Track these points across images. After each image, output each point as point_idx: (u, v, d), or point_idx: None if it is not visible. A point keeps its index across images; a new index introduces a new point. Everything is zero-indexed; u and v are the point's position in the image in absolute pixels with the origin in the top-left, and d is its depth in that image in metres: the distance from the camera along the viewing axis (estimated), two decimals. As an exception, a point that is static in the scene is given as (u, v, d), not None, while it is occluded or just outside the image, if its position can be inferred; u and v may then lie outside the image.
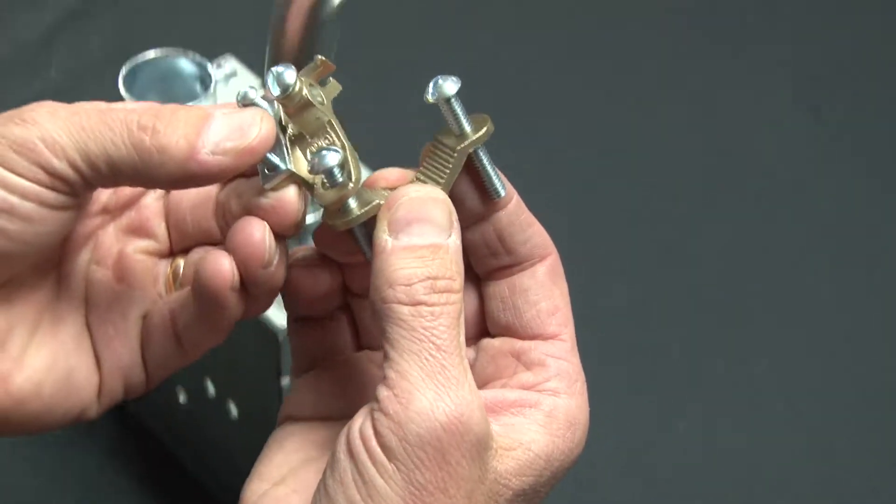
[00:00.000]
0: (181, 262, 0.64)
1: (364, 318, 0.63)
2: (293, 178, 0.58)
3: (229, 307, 0.60)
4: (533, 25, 1.38)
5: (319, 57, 0.59)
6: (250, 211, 0.59)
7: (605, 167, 1.24)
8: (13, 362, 0.60)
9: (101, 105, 0.58)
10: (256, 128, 0.58)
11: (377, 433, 0.54)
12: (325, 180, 0.57)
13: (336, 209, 0.58)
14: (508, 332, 0.61)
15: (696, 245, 1.19)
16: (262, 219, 0.59)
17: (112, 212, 0.64)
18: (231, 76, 0.89)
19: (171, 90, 0.84)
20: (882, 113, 1.31)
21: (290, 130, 0.59)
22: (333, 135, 0.58)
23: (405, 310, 0.55)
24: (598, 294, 1.13)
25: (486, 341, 0.62)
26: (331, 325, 0.63)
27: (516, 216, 0.60)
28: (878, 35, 1.38)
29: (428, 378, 0.54)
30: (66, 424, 0.62)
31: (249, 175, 0.60)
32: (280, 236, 0.59)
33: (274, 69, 0.58)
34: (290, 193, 0.59)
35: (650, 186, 1.23)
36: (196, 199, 0.63)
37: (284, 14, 0.71)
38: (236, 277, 0.59)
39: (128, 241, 0.63)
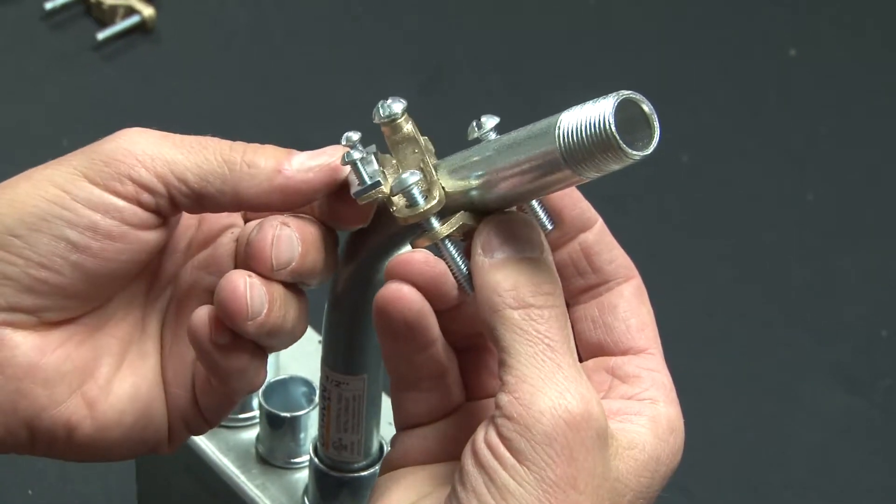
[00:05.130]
0: None
1: (469, 372, 0.64)
2: (380, 192, 0.61)
3: (212, 355, 0.62)
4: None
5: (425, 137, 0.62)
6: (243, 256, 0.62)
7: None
8: (100, 389, 0.63)
9: None
10: (338, 151, 0.61)
11: (504, 438, 0.55)
12: (406, 200, 0.60)
13: (419, 229, 0.60)
14: (600, 350, 0.63)
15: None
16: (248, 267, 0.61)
17: (194, 249, 0.66)
18: None
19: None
20: None
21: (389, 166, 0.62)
22: (426, 170, 0.60)
23: (516, 314, 0.57)
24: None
25: (580, 364, 0.63)
26: (435, 386, 0.63)
27: (601, 236, 0.63)
28: None
29: (546, 378, 0.56)
30: (141, 454, 0.66)
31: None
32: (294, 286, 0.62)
33: (384, 100, 0.61)
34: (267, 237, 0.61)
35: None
36: None
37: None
38: (214, 332, 0.61)
39: (200, 276, 0.65)
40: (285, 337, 0.62)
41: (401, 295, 0.60)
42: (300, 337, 0.63)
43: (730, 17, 1.58)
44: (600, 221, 0.63)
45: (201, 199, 0.61)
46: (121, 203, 0.60)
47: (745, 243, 1.34)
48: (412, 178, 0.59)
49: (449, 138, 0.62)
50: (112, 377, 0.63)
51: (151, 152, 0.61)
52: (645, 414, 0.60)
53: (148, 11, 1.49)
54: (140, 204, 0.61)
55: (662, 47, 1.54)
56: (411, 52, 1.50)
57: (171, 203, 0.61)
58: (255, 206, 0.62)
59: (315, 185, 0.61)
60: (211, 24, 1.53)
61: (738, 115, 1.47)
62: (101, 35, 1.47)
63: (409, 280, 0.60)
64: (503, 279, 0.57)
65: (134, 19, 1.49)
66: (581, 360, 0.62)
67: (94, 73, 1.45)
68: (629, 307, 0.62)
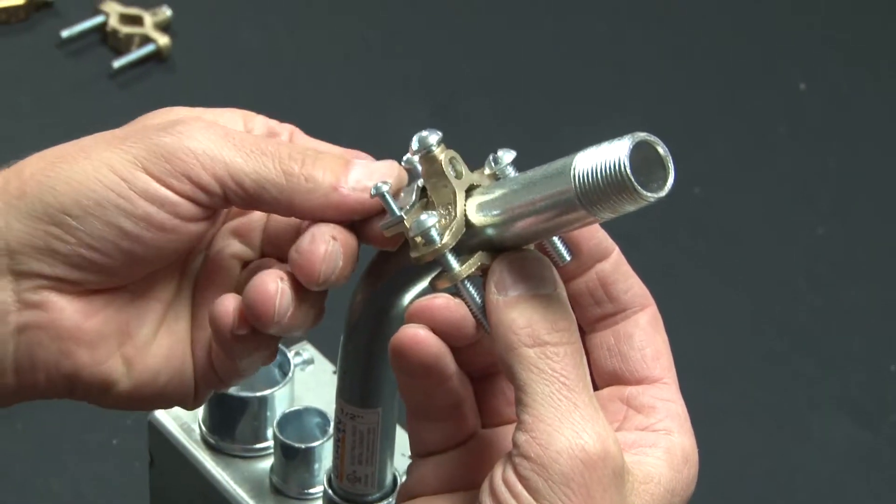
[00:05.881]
0: None
1: (484, 399, 0.64)
2: (401, 226, 0.61)
3: (229, 342, 0.63)
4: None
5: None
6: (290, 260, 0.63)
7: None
8: (137, 350, 0.65)
9: (254, 133, 0.64)
10: (394, 169, 0.63)
11: (521, 477, 0.56)
12: (423, 239, 0.60)
13: (438, 270, 0.60)
14: (615, 378, 0.63)
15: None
16: (290, 272, 0.62)
17: (231, 215, 0.67)
18: (308, 363, 0.91)
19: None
20: None
21: (428, 196, 0.62)
22: (453, 207, 0.60)
23: (532, 353, 0.57)
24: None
25: (595, 393, 0.63)
26: (451, 415, 0.64)
27: (618, 266, 0.63)
28: None
29: (563, 418, 0.56)
30: (169, 407, 0.70)
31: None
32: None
33: (421, 132, 0.62)
34: (319, 251, 0.62)
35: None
36: (292, 223, 0.67)
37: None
38: (237, 324, 0.63)
39: (229, 242, 0.67)
40: (301, 331, 0.64)
41: (418, 340, 0.60)
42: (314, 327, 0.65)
43: (740, 50, 1.59)
44: (617, 251, 0.63)
45: (254, 202, 0.63)
46: (176, 199, 0.62)
47: (755, 275, 1.35)
48: (430, 220, 0.59)
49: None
50: (151, 339, 0.65)
51: (212, 154, 0.62)
52: (660, 446, 0.60)
53: (163, 40, 1.51)
54: (195, 201, 0.62)
55: (673, 80, 1.55)
56: (423, 77, 1.51)
57: (225, 201, 0.63)
58: (307, 217, 0.63)
59: (368, 205, 0.63)
60: (225, 54, 1.54)
61: (749, 149, 1.47)
62: (116, 63, 1.49)
63: (430, 325, 0.61)
64: (518, 317, 0.58)
65: (149, 48, 1.50)
66: (596, 388, 0.63)
67: (110, 100, 1.46)
68: (645, 336, 0.63)
